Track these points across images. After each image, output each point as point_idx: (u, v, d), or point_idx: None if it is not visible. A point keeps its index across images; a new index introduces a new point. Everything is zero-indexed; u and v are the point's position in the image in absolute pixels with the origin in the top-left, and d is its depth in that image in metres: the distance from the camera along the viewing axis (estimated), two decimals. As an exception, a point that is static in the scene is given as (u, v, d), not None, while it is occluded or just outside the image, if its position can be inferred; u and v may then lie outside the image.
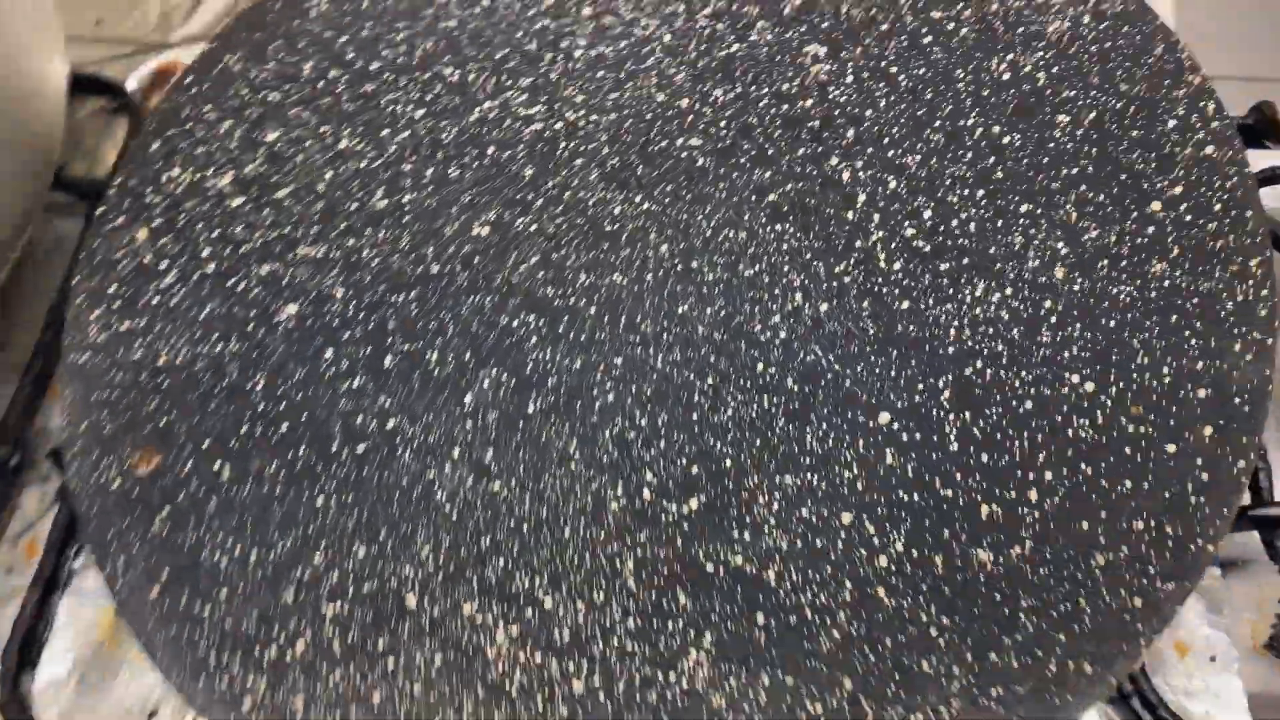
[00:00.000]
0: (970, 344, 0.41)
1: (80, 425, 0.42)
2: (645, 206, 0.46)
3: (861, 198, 0.45)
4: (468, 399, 0.43)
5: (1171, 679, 0.42)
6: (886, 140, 0.46)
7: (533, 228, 0.46)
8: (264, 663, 0.37)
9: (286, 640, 0.38)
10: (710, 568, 0.38)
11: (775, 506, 0.39)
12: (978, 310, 0.42)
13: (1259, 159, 0.50)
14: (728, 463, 0.40)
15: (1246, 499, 0.41)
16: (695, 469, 0.40)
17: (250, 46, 0.51)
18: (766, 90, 0.48)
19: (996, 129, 0.45)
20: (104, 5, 0.63)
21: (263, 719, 0.36)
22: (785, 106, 0.47)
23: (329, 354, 0.44)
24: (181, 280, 0.46)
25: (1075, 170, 0.43)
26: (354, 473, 0.41)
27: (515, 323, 0.44)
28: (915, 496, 0.39)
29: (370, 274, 0.46)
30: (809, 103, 0.47)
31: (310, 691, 0.37)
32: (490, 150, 0.48)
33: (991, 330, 0.41)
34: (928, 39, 0.47)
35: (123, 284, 0.45)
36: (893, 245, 0.44)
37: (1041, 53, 0.45)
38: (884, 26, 0.48)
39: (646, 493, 0.40)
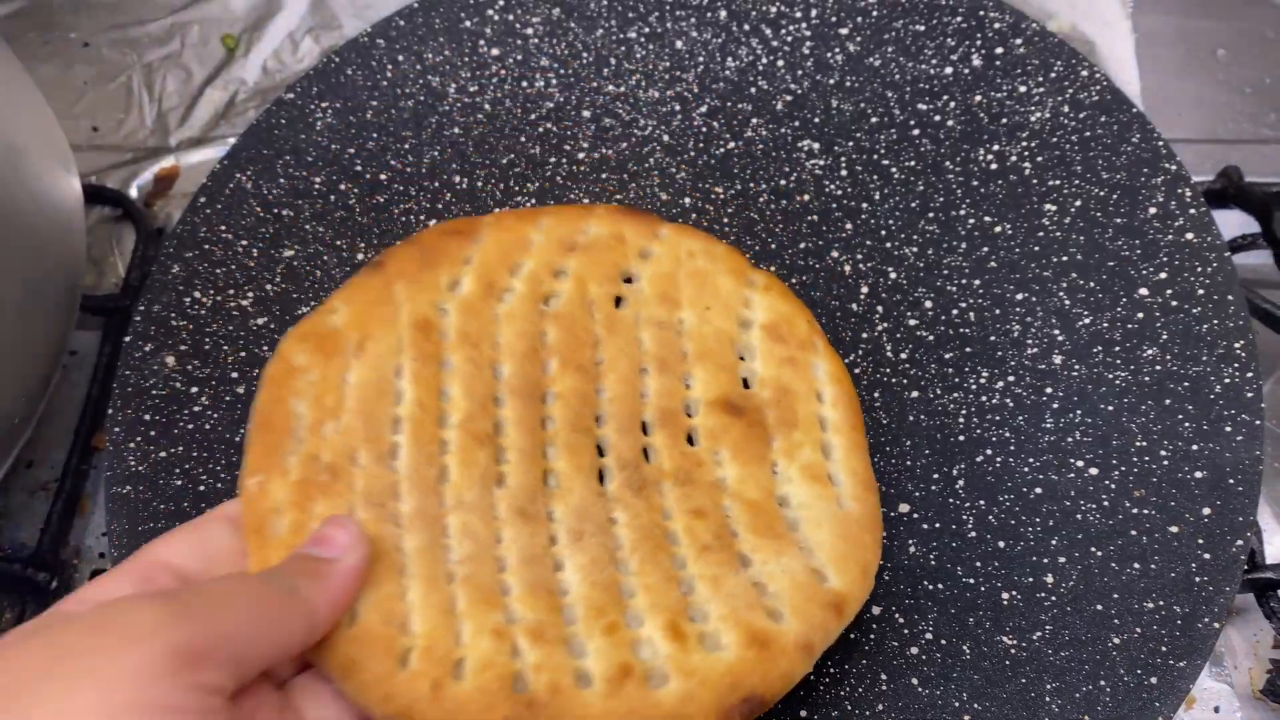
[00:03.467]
0: (979, 432, 0.44)
1: (129, 558, 0.44)
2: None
3: (864, 289, 0.47)
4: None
5: (1181, 731, 0.45)
6: (884, 232, 0.48)
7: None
8: None
9: None
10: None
11: (807, 600, 0.41)
12: (984, 398, 0.44)
13: (1225, 219, 0.53)
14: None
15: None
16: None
17: (260, 163, 0.52)
18: (765, 186, 0.50)
19: (988, 218, 0.47)
20: (99, 112, 0.64)
21: None
22: (784, 201, 0.50)
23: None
24: (213, 404, 0.47)
25: (1065, 258, 0.46)
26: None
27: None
28: (939, 585, 0.41)
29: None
30: (806, 197, 0.50)
31: None
32: (504, 257, 0.50)
33: (998, 418, 0.44)
34: (915, 131, 0.50)
35: (156, 412, 0.46)
36: (898, 335, 0.46)
37: (1025, 142, 0.48)
38: (873, 119, 0.50)
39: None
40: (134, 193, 0.62)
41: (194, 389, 0.47)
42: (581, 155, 0.52)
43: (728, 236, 0.50)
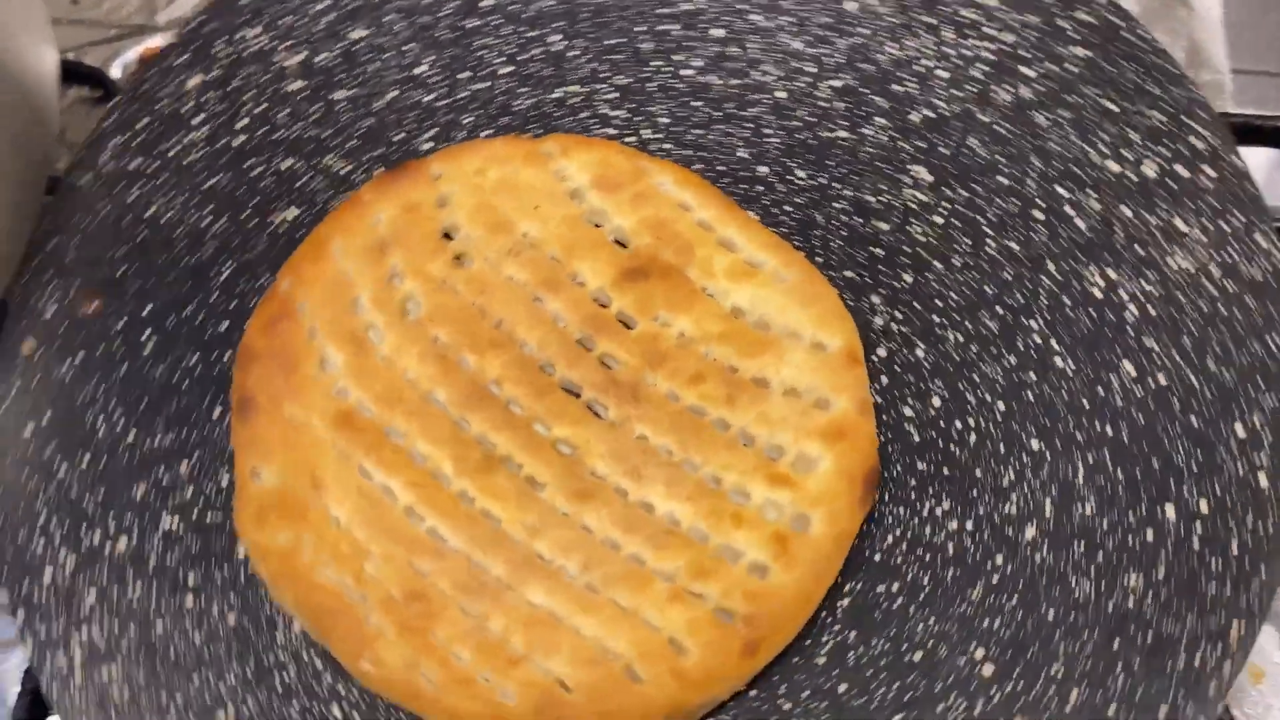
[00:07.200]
0: (898, 561, 0.37)
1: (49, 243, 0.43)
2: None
3: (880, 352, 0.41)
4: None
5: (1247, 707, 0.40)
6: (939, 302, 0.41)
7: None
8: (81, 544, 0.38)
9: (114, 532, 0.38)
10: None
11: None
12: (926, 529, 0.37)
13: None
14: None
15: None
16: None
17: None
18: (850, 193, 0.43)
19: (1055, 344, 0.39)
20: (79, -16, 0.59)
21: (52, 596, 0.37)
22: (859, 219, 0.43)
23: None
24: (208, 142, 0.45)
25: (1110, 431, 0.37)
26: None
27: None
28: None
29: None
30: (885, 226, 0.43)
31: (106, 594, 0.37)
32: (550, 136, 0.45)
33: (927, 558, 0.37)
34: (1039, 214, 0.41)
35: (154, 122, 0.45)
36: (884, 417, 0.39)
37: (1147, 286, 0.39)
38: (1001, 179, 0.42)
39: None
40: (116, 73, 0.56)
41: (198, 118, 0.45)
42: (687, 72, 0.46)
43: (782, 225, 0.43)
